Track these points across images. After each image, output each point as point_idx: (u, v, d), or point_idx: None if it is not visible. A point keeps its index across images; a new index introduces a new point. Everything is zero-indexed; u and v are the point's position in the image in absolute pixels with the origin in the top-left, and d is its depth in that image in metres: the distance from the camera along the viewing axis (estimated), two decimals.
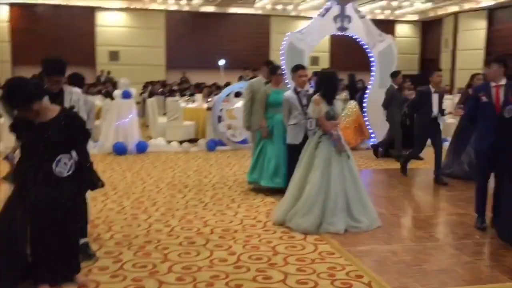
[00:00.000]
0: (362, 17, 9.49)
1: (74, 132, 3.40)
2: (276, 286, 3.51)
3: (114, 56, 20.66)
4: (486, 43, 19.03)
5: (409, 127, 8.29)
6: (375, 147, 9.07)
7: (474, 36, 19.27)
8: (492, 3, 18.18)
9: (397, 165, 7.62)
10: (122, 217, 5.08)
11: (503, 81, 4.66)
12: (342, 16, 9.34)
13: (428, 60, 22.40)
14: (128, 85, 9.34)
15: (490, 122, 4.66)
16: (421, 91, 6.87)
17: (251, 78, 11.97)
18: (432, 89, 6.72)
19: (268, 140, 6.07)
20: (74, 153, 3.43)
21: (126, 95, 9.05)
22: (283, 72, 6.13)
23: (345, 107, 9.28)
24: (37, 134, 3.27)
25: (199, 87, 14.04)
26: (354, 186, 4.82)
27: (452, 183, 6.75)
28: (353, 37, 9.61)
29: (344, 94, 10.25)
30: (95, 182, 3.53)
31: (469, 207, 5.28)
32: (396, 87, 8.69)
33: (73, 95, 4.18)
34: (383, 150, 8.90)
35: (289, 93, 5.75)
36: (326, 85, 4.93)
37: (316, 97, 4.92)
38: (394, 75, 8.84)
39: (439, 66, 20.16)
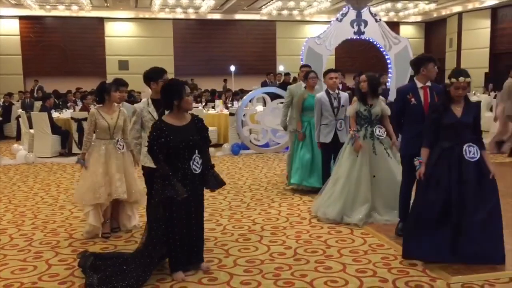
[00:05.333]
0: (378, 20, 9.77)
1: (204, 133, 3.78)
2: (339, 275, 3.78)
3: (123, 65, 20.95)
4: (490, 42, 19.37)
5: None
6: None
7: (479, 35, 19.60)
8: (495, 2, 18.51)
9: None
10: None
11: (429, 83, 4.45)
12: (358, 21, 9.62)
13: None
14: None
15: (419, 125, 4.23)
16: None
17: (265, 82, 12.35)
18: None
19: (304, 142, 6.35)
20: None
21: None
22: (313, 76, 6.40)
23: None
24: (184, 134, 3.63)
25: (215, 94, 14.34)
26: (386, 184, 5.05)
27: None
28: (370, 40, 9.89)
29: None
30: (220, 181, 3.83)
31: None
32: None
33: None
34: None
35: (321, 94, 6.04)
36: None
37: (354, 97, 5.30)
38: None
39: (444, 66, 20.62)
